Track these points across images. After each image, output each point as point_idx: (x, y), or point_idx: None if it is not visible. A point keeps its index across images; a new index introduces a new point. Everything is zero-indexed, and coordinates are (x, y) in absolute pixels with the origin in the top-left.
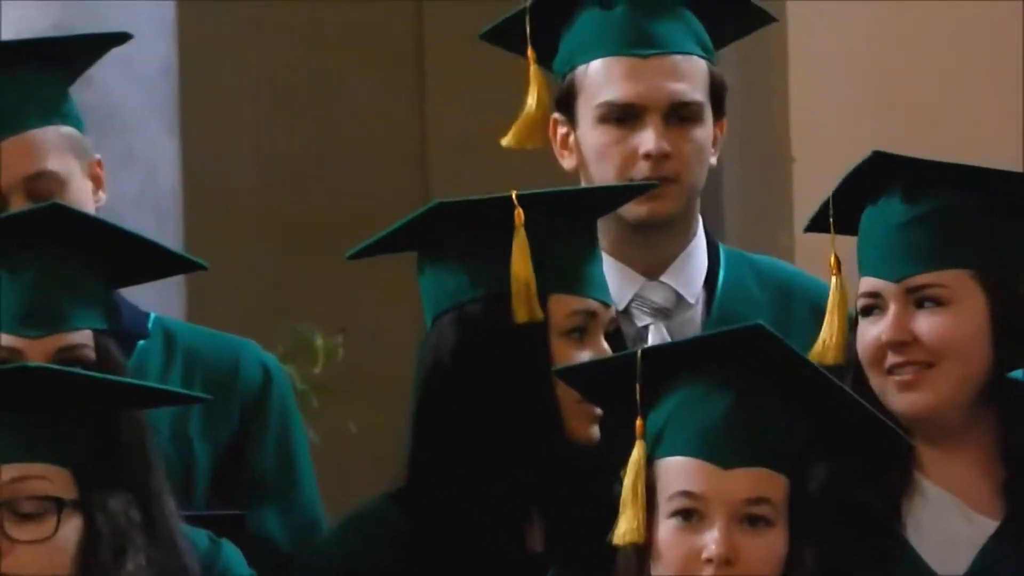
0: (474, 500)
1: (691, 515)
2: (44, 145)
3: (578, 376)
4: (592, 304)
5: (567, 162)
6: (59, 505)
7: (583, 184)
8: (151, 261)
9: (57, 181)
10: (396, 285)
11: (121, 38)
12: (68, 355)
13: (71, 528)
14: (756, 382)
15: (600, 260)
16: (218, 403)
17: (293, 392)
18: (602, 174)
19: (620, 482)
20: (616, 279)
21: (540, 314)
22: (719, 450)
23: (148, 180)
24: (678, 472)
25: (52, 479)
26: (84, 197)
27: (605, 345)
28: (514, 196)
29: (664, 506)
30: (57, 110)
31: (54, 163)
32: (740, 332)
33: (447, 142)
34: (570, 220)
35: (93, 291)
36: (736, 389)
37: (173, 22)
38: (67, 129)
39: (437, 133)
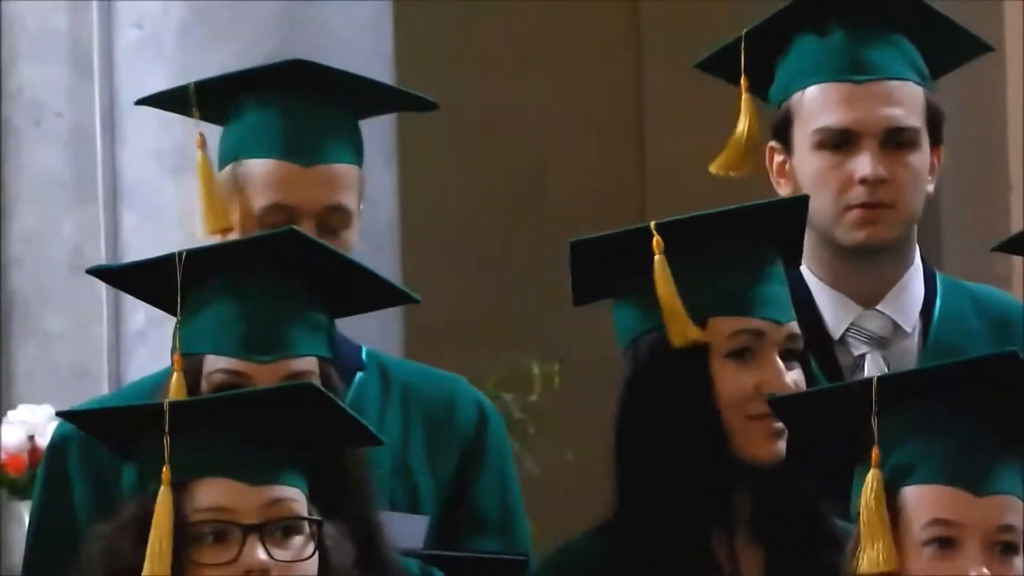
0: (672, 528)
1: (947, 543)
2: (345, 180)
3: (789, 406)
4: (757, 323)
5: (783, 190)
6: (318, 526)
7: None
8: (370, 293)
9: (346, 217)
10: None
11: (429, 105)
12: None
13: (313, 546)
14: (1006, 409)
15: (777, 278)
16: (437, 440)
17: (511, 420)
18: (819, 201)
19: (835, 509)
20: (832, 308)
21: (696, 337)
22: (974, 477)
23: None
24: (933, 500)
25: (300, 500)
26: (354, 238)
27: (780, 364)
28: (652, 226)
29: (918, 534)
30: (359, 150)
31: (349, 200)
32: (995, 359)
33: (665, 167)
34: (724, 241)
35: (319, 319)
36: (988, 417)
37: (390, 56)
38: (360, 171)
39: (655, 158)
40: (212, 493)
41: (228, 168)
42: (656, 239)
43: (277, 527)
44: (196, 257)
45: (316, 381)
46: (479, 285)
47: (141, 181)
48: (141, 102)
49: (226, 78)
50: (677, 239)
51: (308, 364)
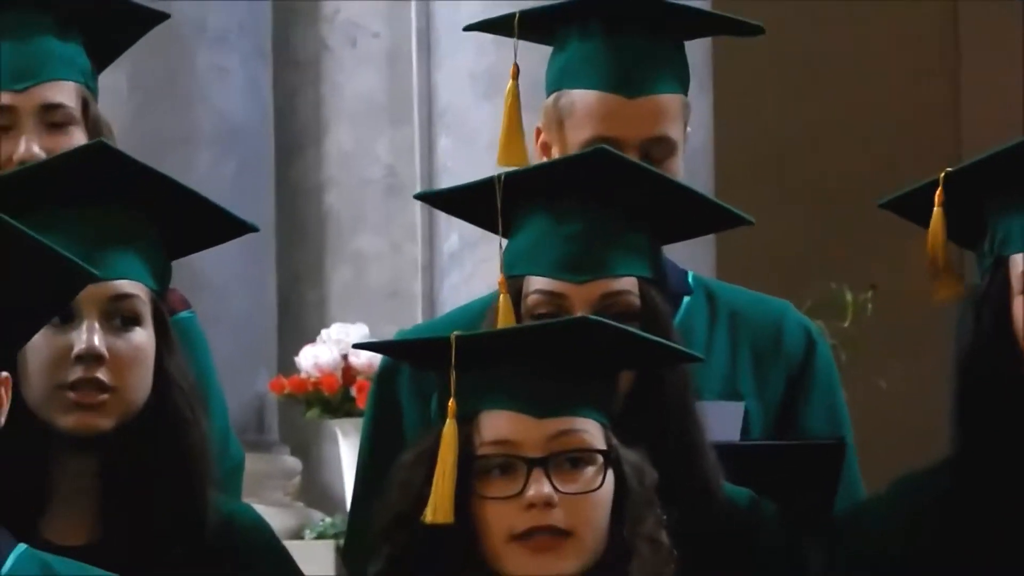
0: (1019, 468)
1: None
2: (668, 111)
3: None
4: None
5: None
6: (605, 457)
7: None
8: (696, 215)
9: (670, 148)
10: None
11: (755, 29)
12: (612, 301)
13: (608, 480)
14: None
15: None
16: (765, 365)
17: None
18: None
19: None
20: None
21: None
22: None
23: None
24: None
25: (591, 432)
26: (680, 168)
27: None
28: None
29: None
30: (683, 79)
31: (673, 130)
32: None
33: (980, 103)
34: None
35: (638, 240)
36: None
37: None
38: (684, 100)
39: (970, 94)
40: (498, 426)
41: (552, 97)
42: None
43: (564, 459)
44: (514, 179)
45: (635, 300)
46: (791, 213)
47: (455, 104)
48: (469, 28)
49: (551, 8)
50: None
51: (626, 284)
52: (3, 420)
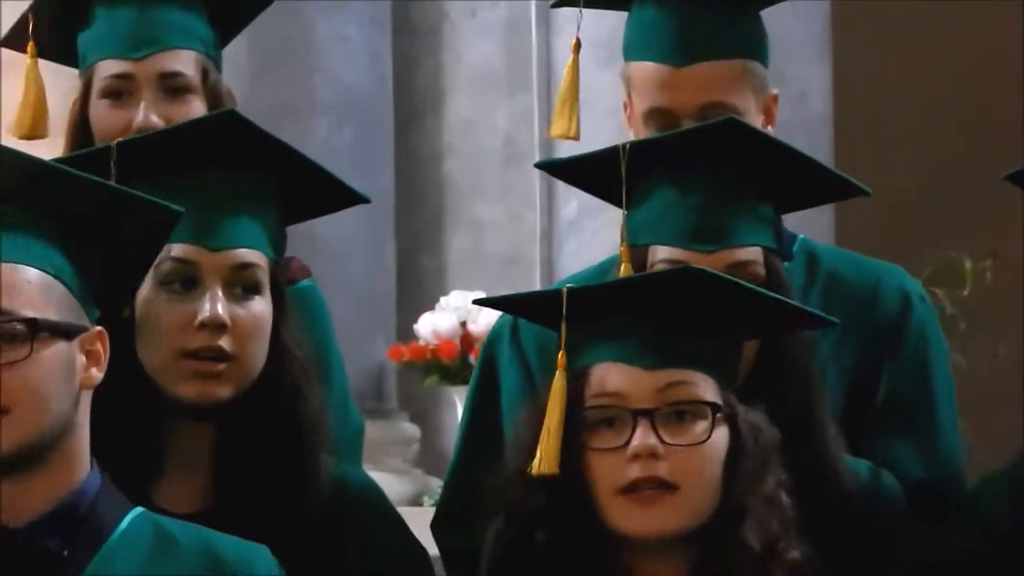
0: None
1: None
2: (730, 77)
3: None
4: None
5: None
6: (713, 410)
7: None
8: (816, 185)
9: (728, 113)
10: None
11: None
12: (739, 271)
13: (720, 436)
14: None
15: None
16: (853, 327)
17: (942, 315)
18: None
19: None
20: None
21: None
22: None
23: (799, 105)
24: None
25: (701, 385)
26: None
27: None
28: None
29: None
30: (748, 41)
31: (735, 97)
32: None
33: None
34: None
35: (763, 210)
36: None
37: None
38: (755, 65)
39: None
40: (607, 378)
41: (622, 69)
42: None
43: (671, 411)
44: (639, 149)
45: (760, 270)
46: (910, 180)
47: None
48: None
49: None
50: None
51: (751, 254)
52: (102, 374)
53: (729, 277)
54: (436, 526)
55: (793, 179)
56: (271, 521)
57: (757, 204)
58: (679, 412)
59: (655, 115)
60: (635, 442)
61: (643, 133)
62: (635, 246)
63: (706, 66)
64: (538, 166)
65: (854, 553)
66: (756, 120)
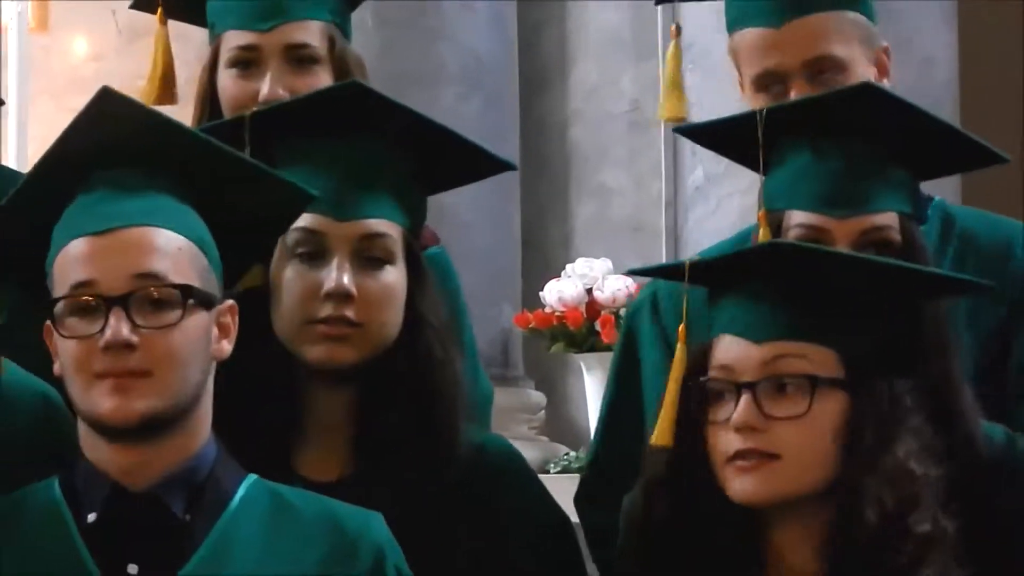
0: None
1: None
2: (830, 29)
3: None
4: None
5: None
6: (812, 384)
7: None
8: (952, 154)
9: (838, 66)
10: None
11: None
12: (873, 236)
13: (827, 408)
14: None
15: None
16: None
17: None
18: None
19: None
20: None
21: None
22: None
23: (924, 71)
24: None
25: (811, 358)
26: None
27: None
28: None
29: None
30: None
31: (838, 48)
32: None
33: None
34: None
35: (899, 176)
36: None
37: None
38: (856, 16)
39: None
40: (722, 351)
41: (728, 45)
42: None
43: (772, 384)
44: (776, 114)
45: (895, 235)
46: None
47: (700, 37)
48: None
49: None
50: None
51: (887, 220)
52: (231, 347)
53: (822, 247)
54: (579, 503)
55: (930, 145)
56: (411, 487)
57: (893, 169)
58: (780, 385)
59: (763, 79)
60: (735, 416)
61: (756, 103)
62: (771, 211)
63: (803, 21)
64: (676, 131)
65: (993, 521)
66: (867, 72)
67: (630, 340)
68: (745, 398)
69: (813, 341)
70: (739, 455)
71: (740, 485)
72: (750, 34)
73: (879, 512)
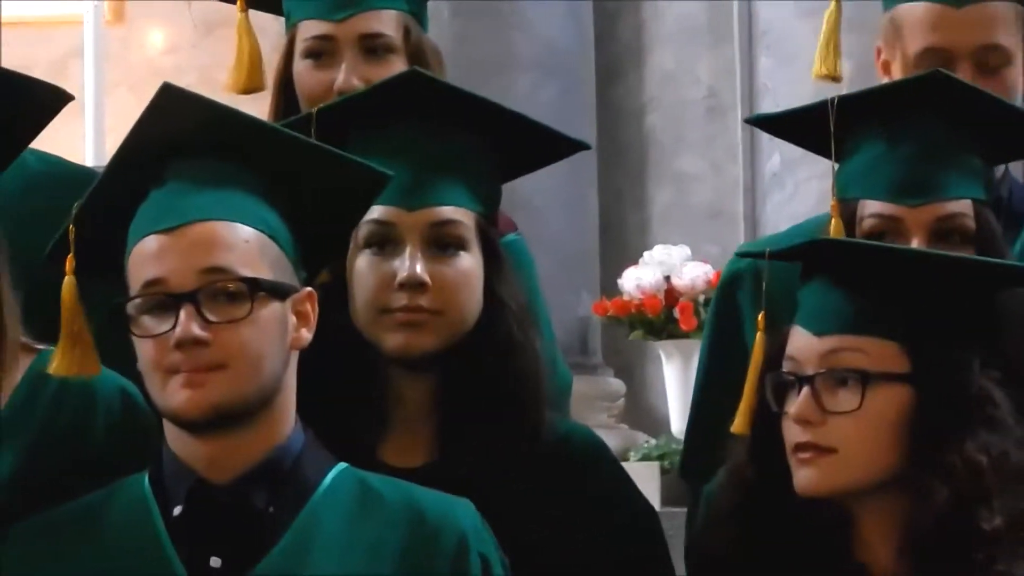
0: None
1: None
2: (1000, 18)
3: None
4: None
5: None
6: (863, 379)
7: None
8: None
9: (1005, 56)
10: None
11: None
12: (948, 224)
13: (883, 402)
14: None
15: None
16: None
17: None
18: None
19: None
20: None
21: None
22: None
23: None
24: None
25: (869, 352)
26: (1018, 79)
27: None
28: None
29: None
30: None
31: (1008, 40)
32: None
33: None
34: None
35: (972, 163)
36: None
37: None
38: (1015, 8)
39: None
40: (792, 342)
41: (887, 14)
42: None
43: (830, 377)
44: (849, 102)
45: (970, 223)
46: None
47: (776, 23)
48: None
49: None
50: None
51: (961, 207)
52: (311, 335)
53: (863, 241)
54: (683, 469)
55: (1004, 132)
56: (495, 474)
57: (966, 157)
58: (839, 378)
59: (929, 55)
60: (794, 409)
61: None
62: (844, 200)
63: (984, 6)
64: (748, 121)
65: None
66: (1021, 63)
67: (726, 312)
68: (804, 391)
69: (873, 335)
70: (799, 447)
71: (800, 477)
72: (924, 8)
73: (938, 509)
